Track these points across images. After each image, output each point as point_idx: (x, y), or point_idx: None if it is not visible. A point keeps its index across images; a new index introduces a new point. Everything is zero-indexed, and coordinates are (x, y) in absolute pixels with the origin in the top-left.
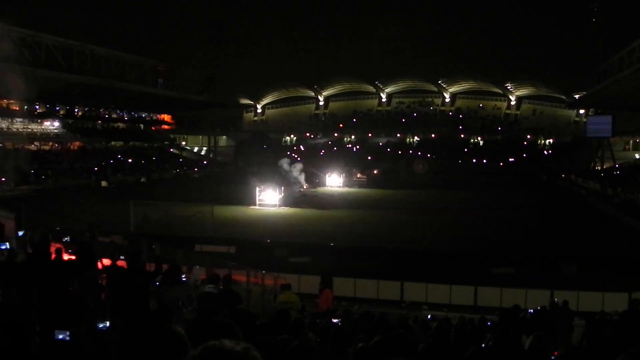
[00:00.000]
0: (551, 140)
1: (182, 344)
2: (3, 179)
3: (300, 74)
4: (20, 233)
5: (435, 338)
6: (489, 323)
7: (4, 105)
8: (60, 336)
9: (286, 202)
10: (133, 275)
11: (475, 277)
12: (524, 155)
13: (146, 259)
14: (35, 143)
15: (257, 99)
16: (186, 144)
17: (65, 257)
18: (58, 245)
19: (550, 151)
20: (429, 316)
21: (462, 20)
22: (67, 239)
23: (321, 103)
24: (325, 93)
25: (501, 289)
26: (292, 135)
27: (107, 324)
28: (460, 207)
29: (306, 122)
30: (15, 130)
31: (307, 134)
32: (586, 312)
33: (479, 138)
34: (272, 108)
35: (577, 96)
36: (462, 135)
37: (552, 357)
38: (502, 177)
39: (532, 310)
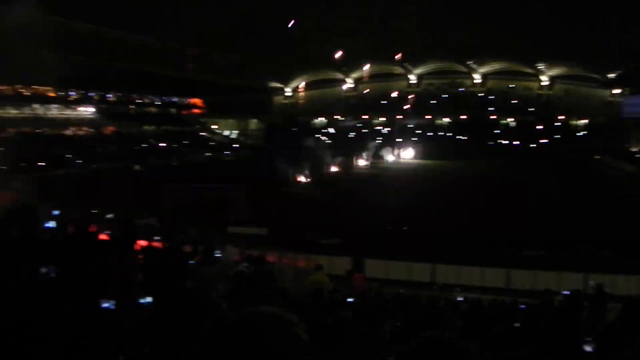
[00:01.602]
0: (585, 121)
1: (220, 308)
2: (40, 164)
3: (328, 57)
4: (56, 212)
5: (468, 319)
6: (521, 306)
7: (40, 92)
8: (106, 304)
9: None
10: (169, 255)
11: (508, 260)
12: (557, 136)
13: (181, 240)
14: (70, 128)
15: (287, 82)
16: (217, 128)
17: (103, 236)
18: (97, 226)
19: (583, 132)
20: (460, 298)
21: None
22: (110, 215)
23: (351, 85)
24: (354, 75)
25: (535, 272)
26: (321, 118)
27: (149, 299)
28: (494, 188)
29: (335, 105)
30: (51, 116)
31: (337, 117)
32: (621, 295)
33: (511, 119)
34: (302, 91)
35: (611, 75)
36: (494, 117)
37: (589, 340)
38: (533, 159)
39: (568, 292)
